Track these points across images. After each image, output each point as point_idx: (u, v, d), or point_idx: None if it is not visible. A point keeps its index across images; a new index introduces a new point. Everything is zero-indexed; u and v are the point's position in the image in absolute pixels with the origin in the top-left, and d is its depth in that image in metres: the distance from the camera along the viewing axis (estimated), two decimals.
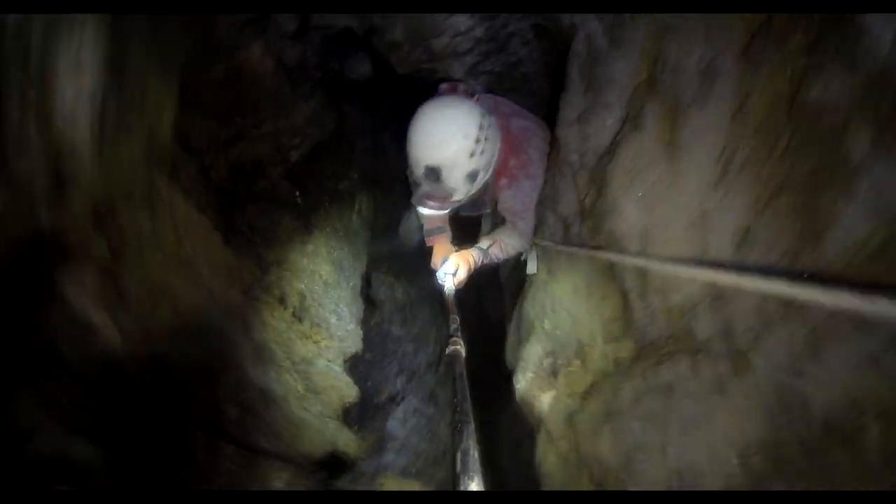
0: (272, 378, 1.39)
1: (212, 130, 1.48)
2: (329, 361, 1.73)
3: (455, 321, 1.07)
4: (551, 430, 1.56)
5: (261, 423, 1.20)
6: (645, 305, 1.28)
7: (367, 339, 2.22)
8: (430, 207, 1.54)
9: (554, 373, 1.63)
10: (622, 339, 1.48)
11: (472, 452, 0.50)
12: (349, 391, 1.71)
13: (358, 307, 2.09)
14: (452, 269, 1.52)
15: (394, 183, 2.76)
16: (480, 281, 2.42)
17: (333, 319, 1.85)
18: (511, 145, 1.57)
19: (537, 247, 1.96)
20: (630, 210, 1.23)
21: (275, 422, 1.26)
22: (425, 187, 1.38)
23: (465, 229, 2.23)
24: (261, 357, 1.39)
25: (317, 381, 1.60)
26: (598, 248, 1.42)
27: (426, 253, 2.55)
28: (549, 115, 1.79)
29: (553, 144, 1.66)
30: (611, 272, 1.46)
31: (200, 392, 1.05)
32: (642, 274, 1.24)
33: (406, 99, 2.20)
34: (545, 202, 1.78)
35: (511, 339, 2.25)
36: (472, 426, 0.57)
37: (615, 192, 1.28)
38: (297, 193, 1.91)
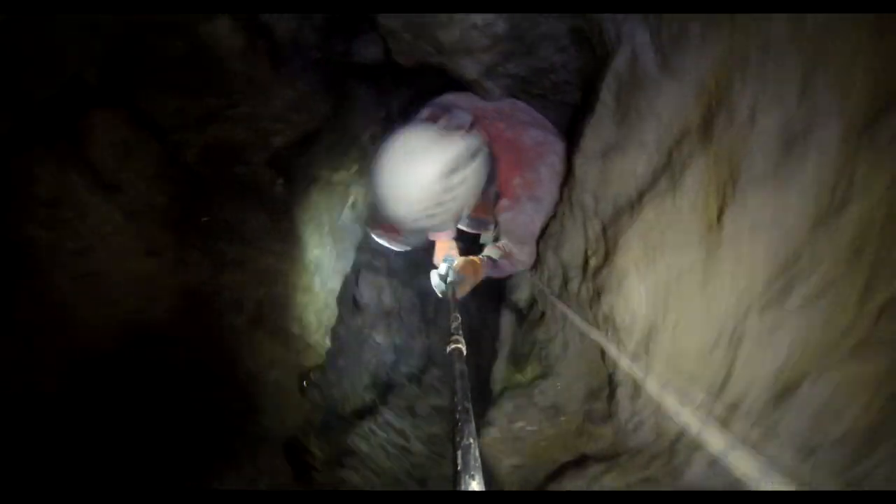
0: (205, 397, 1.24)
1: (181, 107, 1.30)
2: (281, 376, 1.58)
3: (456, 319, 0.99)
4: None
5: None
6: (633, 410, 1.05)
7: (342, 345, 2.07)
8: (382, 238, 1.38)
9: (520, 437, 1.43)
10: (602, 424, 1.26)
11: (472, 451, 0.50)
12: (298, 409, 1.56)
13: (329, 314, 1.92)
14: (455, 275, 1.38)
15: None
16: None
17: (294, 329, 1.69)
18: (519, 161, 1.34)
19: (534, 286, 1.74)
20: (638, 296, 0.98)
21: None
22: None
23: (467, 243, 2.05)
24: (200, 370, 1.25)
25: (263, 399, 1.45)
26: (593, 322, 1.19)
27: (426, 253, 2.36)
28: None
29: (568, 177, 1.40)
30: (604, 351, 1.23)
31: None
32: (635, 382, 1.01)
33: (428, 86, 1.96)
34: (548, 239, 1.54)
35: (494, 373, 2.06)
36: (472, 425, 0.56)
37: (625, 266, 1.03)
38: (280, 181, 1.72)
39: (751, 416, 0.65)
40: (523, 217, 1.38)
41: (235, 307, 1.48)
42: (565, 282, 1.42)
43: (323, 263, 1.91)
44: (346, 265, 2.09)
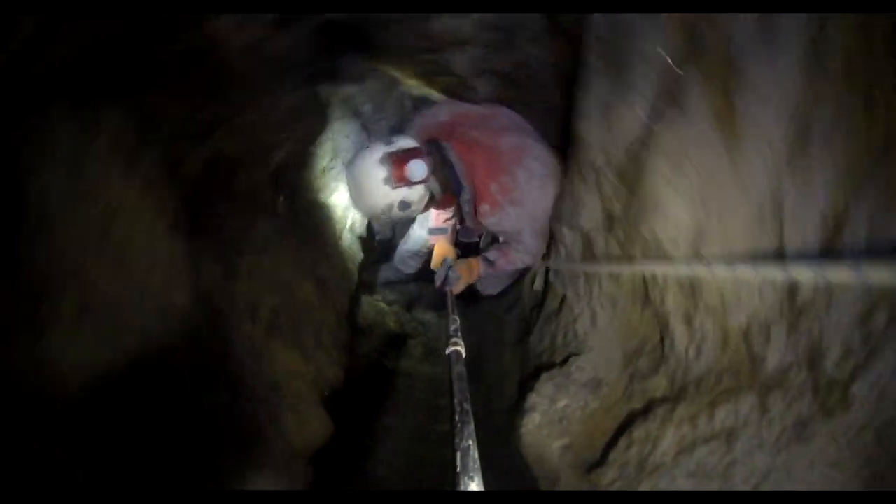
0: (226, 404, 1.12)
1: (184, 112, 1.29)
2: (302, 387, 1.46)
3: (455, 322, 1.04)
4: (566, 488, 1.27)
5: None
6: (691, 332, 1.03)
7: (351, 370, 1.95)
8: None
9: (567, 417, 1.36)
10: (652, 375, 1.22)
11: (472, 452, 0.50)
12: (323, 426, 1.43)
13: (343, 333, 1.83)
14: (455, 274, 1.51)
15: None
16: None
17: (311, 343, 1.59)
18: (495, 168, 1.42)
19: (550, 270, 1.74)
20: (677, 206, 1.00)
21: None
22: None
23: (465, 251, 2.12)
24: (221, 375, 1.14)
25: (283, 411, 1.33)
26: (630, 260, 1.19)
27: (423, 278, 2.36)
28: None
29: (572, 148, 1.47)
30: (643, 294, 1.23)
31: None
32: (691, 289, 1.01)
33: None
34: (562, 217, 1.57)
35: (514, 365, 1.97)
36: (472, 426, 0.55)
37: (656, 187, 1.05)
38: (281, 199, 1.70)
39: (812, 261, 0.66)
40: (507, 221, 1.45)
41: (250, 315, 1.39)
42: (588, 246, 1.44)
43: (329, 283, 1.85)
44: (350, 286, 2.03)
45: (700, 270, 0.92)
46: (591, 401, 1.36)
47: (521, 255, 1.62)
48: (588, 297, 1.49)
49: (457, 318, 1.06)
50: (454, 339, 0.87)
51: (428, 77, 1.71)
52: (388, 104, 2.10)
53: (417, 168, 1.29)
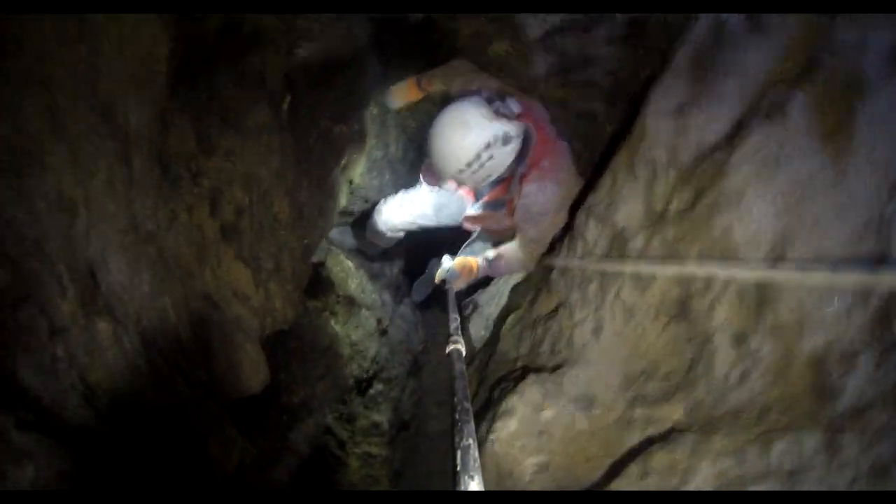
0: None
1: None
2: (245, 315, 1.17)
3: (455, 320, 1.04)
4: None
5: None
6: (739, 354, 0.89)
7: (299, 323, 1.66)
8: (428, 182, 1.61)
9: (549, 431, 1.16)
10: (662, 403, 1.06)
11: (472, 451, 0.49)
12: (255, 371, 1.14)
13: (304, 271, 1.55)
14: (455, 271, 1.55)
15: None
16: None
17: (269, 266, 1.31)
18: (549, 149, 1.51)
19: (553, 270, 1.58)
20: (761, 209, 0.89)
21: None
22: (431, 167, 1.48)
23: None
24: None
25: (214, 334, 1.04)
26: (680, 262, 1.04)
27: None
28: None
29: (625, 142, 1.33)
30: (680, 305, 1.07)
31: None
32: (757, 302, 0.87)
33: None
34: (591, 210, 1.42)
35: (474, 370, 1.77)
36: (472, 425, 0.55)
37: (737, 187, 0.95)
38: (288, 99, 1.44)
39: None
40: (544, 195, 1.48)
41: (210, 203, 1.11)
42: (620, 245, 1.28)
43: (305, 212, 1.58)
44: (329, 224, 1.76)
45: (788, 274, 0.79)
46: (580, 419, 1.17)
47: (521, 255, 1.63)
48: (597, 304, 1.32)
49: (457, 316, 1.05)
50: (454, 338, 0.86)
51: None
52: None
53: (514, 103, 1.33)
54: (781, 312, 0.84)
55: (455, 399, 0.64)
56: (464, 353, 0.82)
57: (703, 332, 0.99)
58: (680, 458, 0.88)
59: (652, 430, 1.03)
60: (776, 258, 0.86)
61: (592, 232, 1.39)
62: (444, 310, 1.55)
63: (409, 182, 2.47)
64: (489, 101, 1.32)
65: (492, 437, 1.21)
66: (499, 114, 1.30)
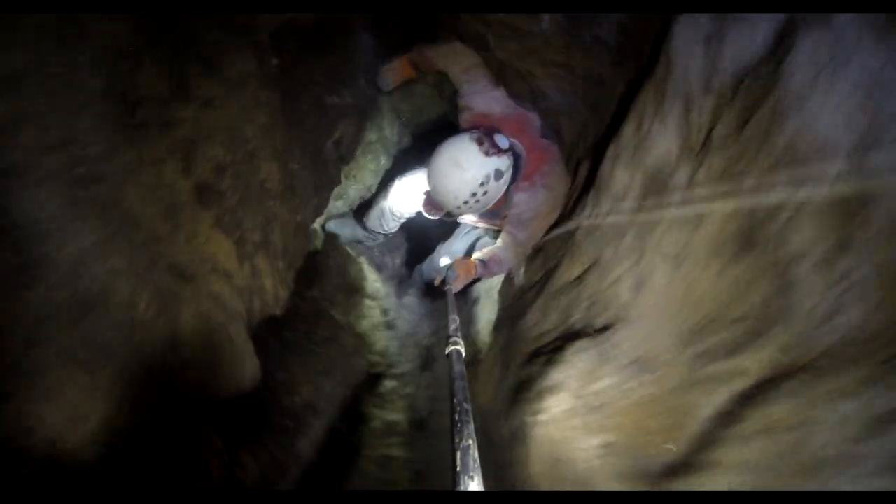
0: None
1: None
2: (226, 292, 0.99)
3: (455, 321, 1.06)
4: None
5: None
6: (829, 281, 0.75)
7: (294, 311, 1.47)
8: (428, 213, 1.65)
9: (608, 404, 0.98)
10: (740, 352, 0.90)
11: (472, 452, 0.49)
12: (242, 363, 0.96)
13: (299, 248, 1.37)
14: (455, 272, 1.57)
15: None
16: None
17: (255, 238, 1.13)
18: (541, 160, 1.57)
19: (576, 231, 1.42)
20: (827, 110, 0.75)
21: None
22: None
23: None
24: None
25: (183, 313, 0.86)
26: (736, 190, 0.89)
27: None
28: None
29: (648, 80, 1.19)
30: (742, 239, 0.92)
31: None
32: (841, 218, 0.72)
33: None
34: (618, 157, 1.27)
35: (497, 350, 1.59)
36: (472, 425, 0.55)
37: (796, 92, 0.81)
38: (276, 62, 1.28)
39: None
40: (535, 200, 1.55)
41: (183, 159, 0.93)
42: (656, 187, 1.12)
43: (296, 187, 1.41)
44: (322, 202, 1.58)
45: (876, 182, 0.65)
46: (640, 386, 1.00)
47: (510, 255, 1.69)
48: (637, 256, 1.16)
49: (456, 317, 1.08)
50: (454, 339, 0.88)
51: None
52: None
53: (502, 139, 1.40)
54: (876, 223, 0.68)
55: (455, 400, 0.64)
56: (463, 354, 0.84)
57: (777, 265, 0.83)
58: (782, 413, 0.71)
59: (730, 387, 0.87)
60: (858, 163, 0.71)
61: (621, 180, 1.24)
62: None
63: (405, 168, 2.35)
64: (479, 143, 1.40)
65: (541, 417, 1.03)
66: (489, 153, 1.38)
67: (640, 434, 0.99)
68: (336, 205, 2.09)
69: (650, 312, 1.11)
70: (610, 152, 1.30)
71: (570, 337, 1.20)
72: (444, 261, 1.90)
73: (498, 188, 1.45)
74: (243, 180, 1.10)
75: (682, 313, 1.05)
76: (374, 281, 1.89)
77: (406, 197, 1.94)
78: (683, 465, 0.89)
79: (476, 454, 0.49)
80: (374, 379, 1.77)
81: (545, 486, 1.14)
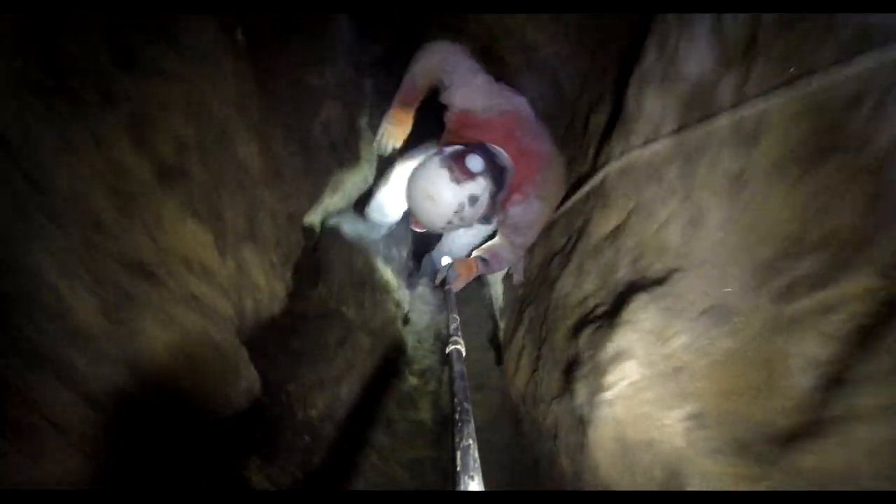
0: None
1: None
2: (207, 294, 0.83)
3: (455, 321, 1.03)
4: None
5: None
6: None
7: (301, 315, 1.31)
8: (416, 228, 1.55)
9: (688, 365, 0.81)
10: (835, 277, 0.74)
11: (472, 451, 0.49)
12: (234, 371, 0.80)
13: (294, 240, 1.21)
14: (455, 272, 1.57)
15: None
16: None
17: (239, 227, 0.97)
18: (534, 167, 1.48)
19: (604, 180, 1.25)
20: None
21: None
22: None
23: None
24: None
25: (148, 319, 0.70)
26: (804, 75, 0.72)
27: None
28: None
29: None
30: (823, 136, 0.74)
31: None
32: None
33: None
34: (646, 81, 1.10)
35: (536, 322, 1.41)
36: (472, 425, 0.55)
37: None
38: (239, 35, 1.11)
39: None
40: (530, 214, 1.50)
41: (139, 130, 0.77)
42: (701, 101, 0.95)
43: (285, 175, 1.24)
44: (316, 191, 1.42)
45: None
46: (718, 340, 0.82)
47: (508, 253, 1.67)
48: (685, 191, 0.99)
49: (457, 316, 1.06)
50: (454, 338, 0.88)
51: None
52: None
53: (474, 161, 1.32)
54: None
55: (455, 399, 0.64)
56: (464, 354, 0.83)
57: (866, 168, 0.66)
58: None
59: (822, 328, 0.69)
60: None
61: (652, 110, 1.07)
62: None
63: (404, 150, 2.20)
64: (449, 170, 1.31)
65: (606, 396, 0.85)
66: (459, 181, 1.30)
67: (729, 398, 0.81)
68: (333, 200, 1.95)
69: (712, 253, 0.93)
70: (632, 85, 1.13)
71: (623, 296, 1.02)
72: (445, 260, 1.85)
73: (476, 210, 1.38)
74: (216, 160, 0.93)
75: (750, 248, 0.87)
76: (383, 272, 1.73)
77: (396, 199, 1.86)
78: (792, 430, 0.72)
79: (476, 454, 0.49)
80: (394, 378, 1.60)
81: (615, 476, 0.97)
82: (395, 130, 1.67)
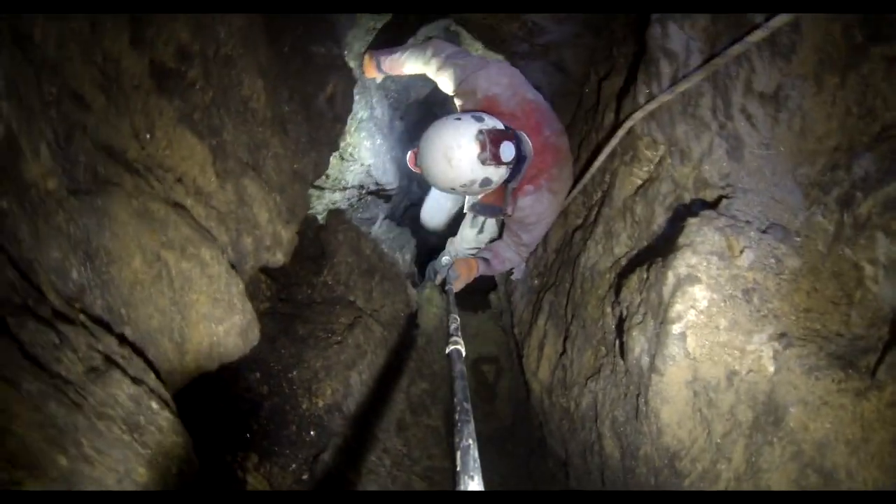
0: None
1: None
2: (198, 219, 0.72)
3: (455, 321, 1.00)
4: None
5: None
6: None
7: (307, 303, 1.17)
8: (411, 167, 1.49)
9: (760, 285, 0.70)
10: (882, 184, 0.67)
11: (472, 451, 0.50)
12: (232, 302, 0.67)
13: (302, 196, 1.10)
14: (456, 272, 1.57)
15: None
16: None
17: (242, 154, 0.87)
18: (551, 161, 1.46)
19: (633, 129, 1.20)
20: None
21: None
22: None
23: None
24: None
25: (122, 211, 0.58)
26: None
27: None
28: None
29: None
30: (859, 45, 0.70)
31: None
32: None
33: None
34: (667, 23, 1.06)
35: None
36: (472, 425, 0.55)
37: None
38: None
39: None
40: (540, 205, 1.49)
41: (139, 26, 0.69)
42: (726, 32, 0.92)
43: (292, 122, 1.17)
44: (314, 172, 1.33)
45: None
46: (785, 256, 0.72)
47: (512, 253, 1.67)
48: (721, 118, 0.93)
49: (457, 316, 1.04)
50: (454, 338, 0.85)
51: None
52: None
53: (509, 150, 1.27)
54: None
55: (455, 399, 0.61)
56: (464, 354, 0.83)
57: None
58: None
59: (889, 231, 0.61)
60: None
61: (679, 42, 1.03)
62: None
63: (400, 151, 2.21)
64: (481, 147, 1.25)
65: (675, 330, 0.73)
66: (485, 162, 1.25)
67: (808, 316, 0.70)
68: (334, 198, 1.86)
69: (762, 173, 0.85)
70: (654, 23, 1.08)
71: (668, 231, 0.91)
72: (446, 259, 1.83)
73: (480, 191, 1.36)
74: (219, 82, 0.85)
75: (798, 159, 0.80)
76: (389, 258, 1.62)
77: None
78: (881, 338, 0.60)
79: (476, 454, 0.49)
80: (404, 378, 1.44)
81: (684, 437, 0.81)
82: (366, 68, 1.67)
